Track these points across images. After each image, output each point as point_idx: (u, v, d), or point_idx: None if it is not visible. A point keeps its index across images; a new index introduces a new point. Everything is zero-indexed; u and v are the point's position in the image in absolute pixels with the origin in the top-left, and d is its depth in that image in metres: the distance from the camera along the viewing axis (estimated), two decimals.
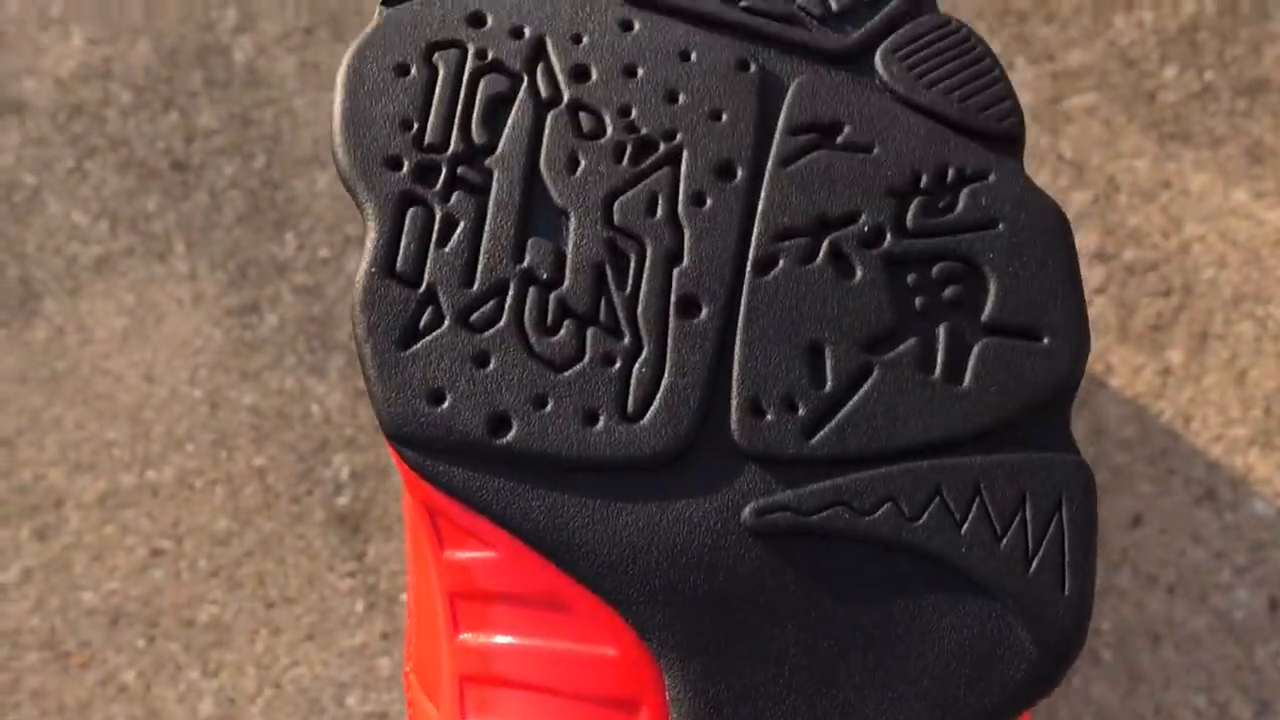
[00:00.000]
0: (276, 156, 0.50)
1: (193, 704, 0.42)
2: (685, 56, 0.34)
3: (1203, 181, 0.49)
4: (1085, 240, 0.45)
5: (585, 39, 0.35)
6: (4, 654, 0.44)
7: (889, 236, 0.32)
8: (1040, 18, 0.51)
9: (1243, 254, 0.47)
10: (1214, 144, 0.48)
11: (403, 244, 0.32)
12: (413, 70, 0.34)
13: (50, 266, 0.49)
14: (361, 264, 0.32)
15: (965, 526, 0.29)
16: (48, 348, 0.47)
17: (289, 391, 0.46)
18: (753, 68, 0.34)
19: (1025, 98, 0.48)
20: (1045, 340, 0.31)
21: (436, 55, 0.34)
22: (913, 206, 0.32)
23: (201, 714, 0.42)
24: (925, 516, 0.29)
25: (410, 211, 0.32)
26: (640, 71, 0.34)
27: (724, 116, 0.33)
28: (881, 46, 0.34)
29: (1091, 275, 0.45)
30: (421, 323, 0.32)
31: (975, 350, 0.31)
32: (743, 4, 0.35)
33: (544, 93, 0.34)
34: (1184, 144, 0.48)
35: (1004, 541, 0.29)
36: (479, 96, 0.34)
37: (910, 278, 0.32)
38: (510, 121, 0.34)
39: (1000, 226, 0.32)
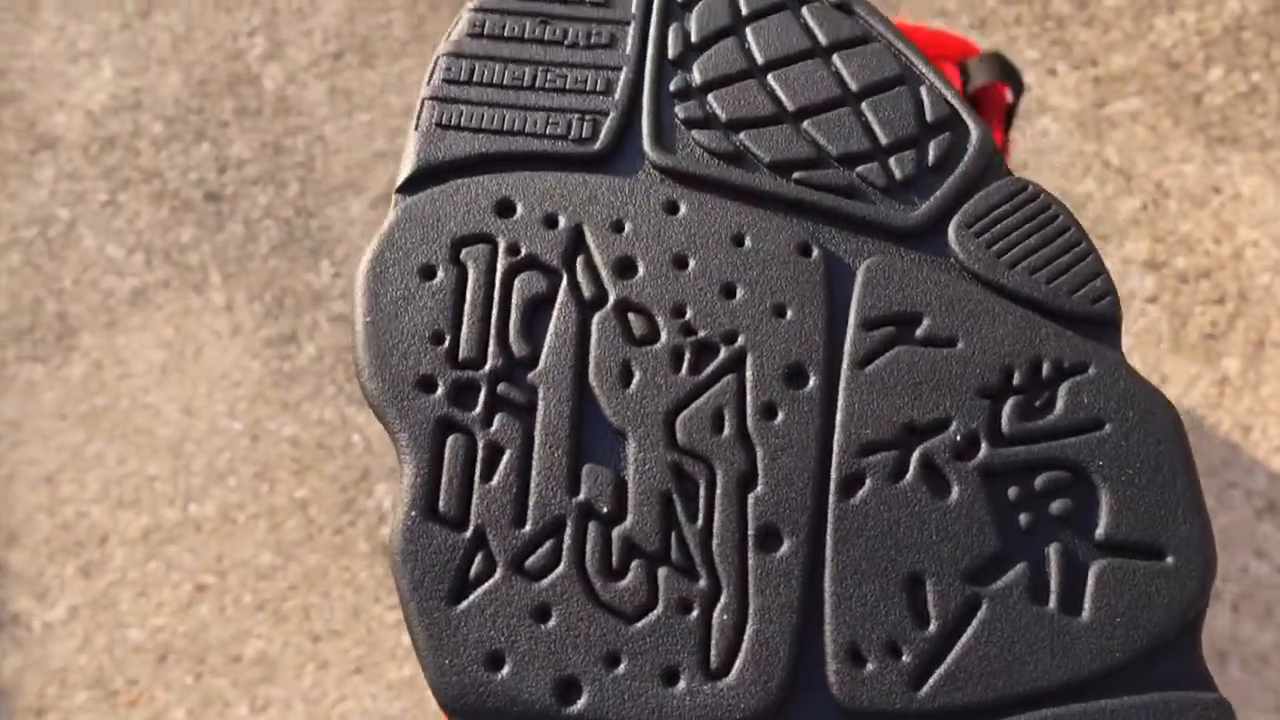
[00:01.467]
0: (309, 184, 0.52)
1: None
2: (739, 241, 0.33)
3: (1254, 185, 0.48)
4: (1135, 248, 0.44)
5: (628, 226, 0.33)
6: (53, 693, 0.45)
7: (984, 445, 0.30)
8: (1080, 21, 0.50)
9: None
10: (1264, 146, 0.47)
11: (444, 480, 0.30)
12: (439, 272, 0.32)
13: (87, 301, 0.50)
14: (399, 506, 0.30)
15: None
16: (86, 383, 0.49)
17: (329, 422, 0.47)
18: (815, 252, 0.32)
19: (1068, 104, 0.47)
20: (1169, 559, 0.29)
21: (464, 252, 0.33)
22: (1007, 408, 0.30)
23: None
24: None
25: (450, 440, 0.30)
26: (691, 263, 0.32)
27: (789, 312, 0.32)
28: (954, 220, 0.33)
29: (1143, 284, 0.44)
30: (472, 572, 0.29)
31: (1092, 573, 0.29)
32: (797, 176, 0.34)
33: (587, 292, 0.32)
34: (1233, 147, 0.47)
35: None
36: (515, 300, 0.32)
37: (1012, 491, 0.30)
38: (552, 329, 0.32)
39: (1107, 428, 0.30)
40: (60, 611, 0.45)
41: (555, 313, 0.32)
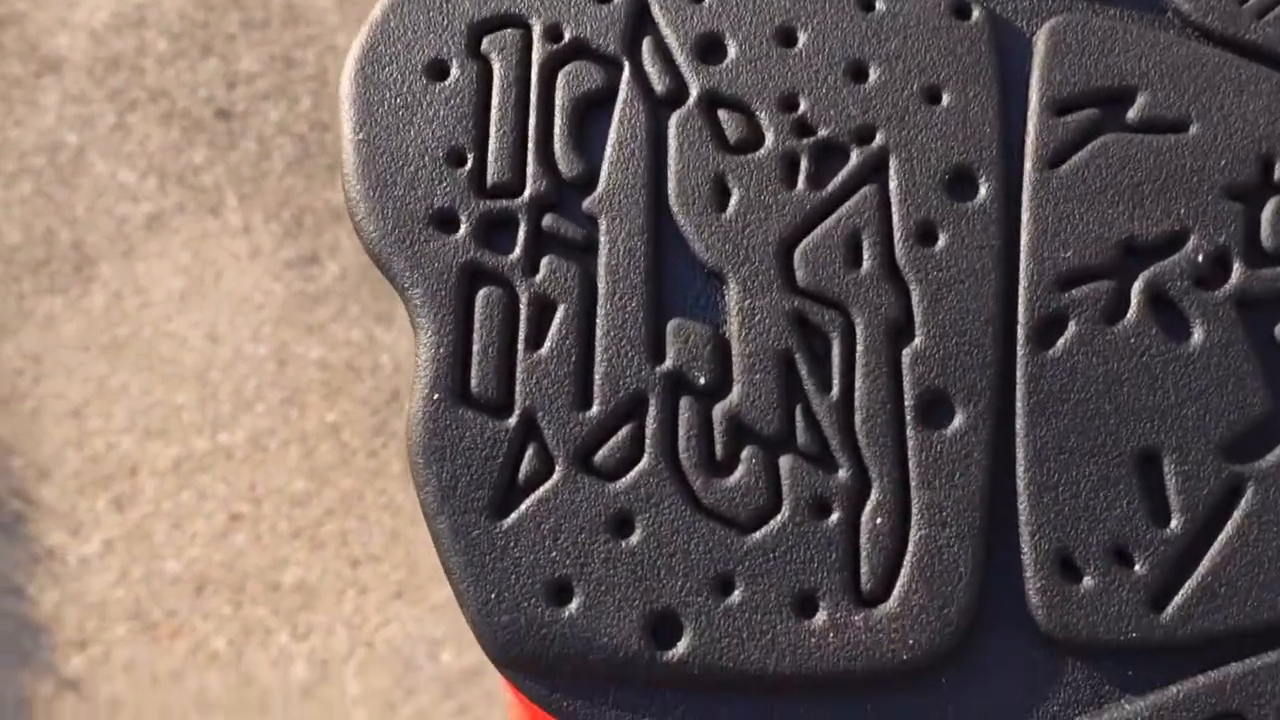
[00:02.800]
0: (323, 98, 0.52)
1: (285, 668, 0.43)
2: (866, 4, 0.24)
3: None
4: None
5: None
6: (93, 627, 0.45)
7: (1238, 265, 0.22)
8: None
9: None
10: None
11: (476, 349, 0.23)
12: (454, 69, 0.24)
13: (102, 229, 0.50)
14: (417, 388, 0.23)
15: None
16: (107, 313, 0.49)
17: (356, 343, 0.47)
18: (976, 12, 0.24)
19: None
20: None
21: (487, 41, 0.25)
22: (1269, 213, 0.22)
23: (295, 677, 0.44)
24: None
25: (481, 295, 0.23)
26: (803, 36, 0.24)
27: (945, 96, 0.24)
28: None
29: None
30: (522, 473, 0.22)
31: None
32: None
33: (659, 85, 0.24)
34: None
35: None
36: (560, 101, 0.24)
37: None
38: (613, 137, 0.24)
39: None
40: (95, 545, 0.46)
41: (616, 115, 0.24)
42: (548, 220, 0.23)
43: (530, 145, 0.24)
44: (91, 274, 0.49)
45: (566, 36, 0.25)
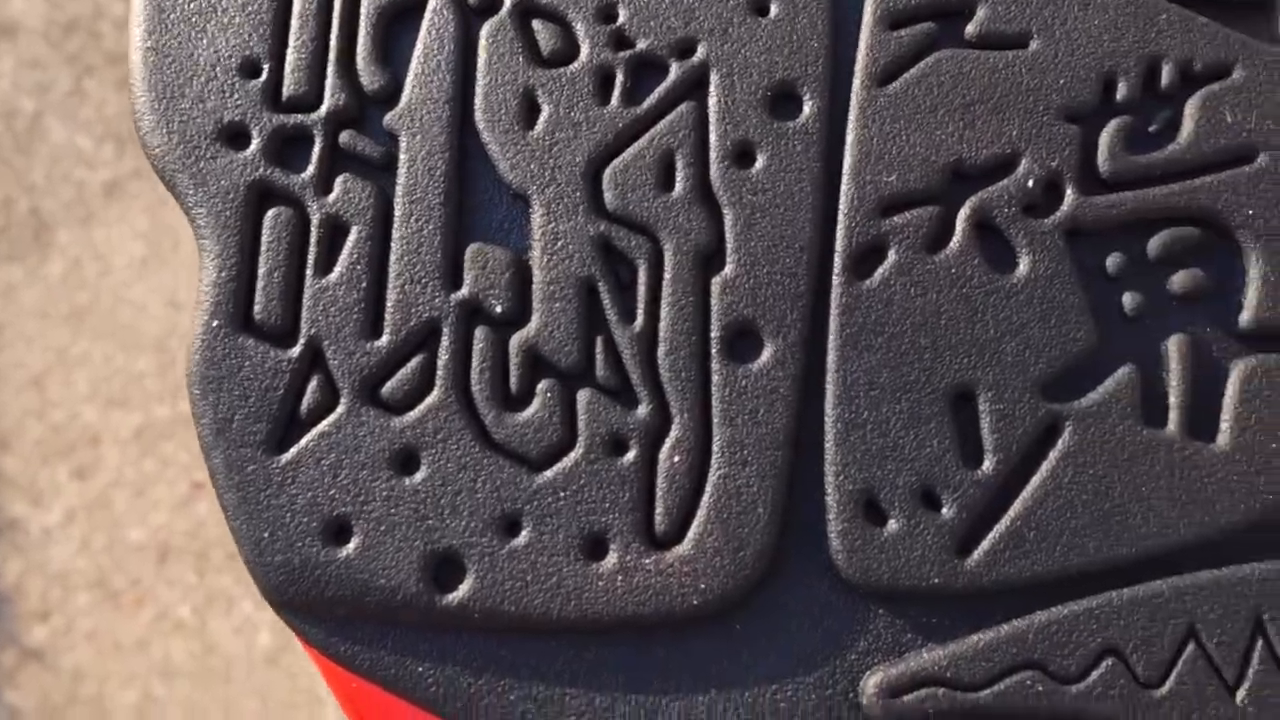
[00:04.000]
0: None
1: (249, 636, 0.44)
2: None
3: None
4: None
5: None
6: (56, 596, 0.46)
7: (1070, 192, 0.21)
8: None
9: None
10: None
11: (261, 273, 0.22)
12: None
13: (60, 195, 0.50)
14: (198, 313, 0.22)
15: (1243, 691, 0.20)
16: (66, 280, 0.49)
17: None
18: None
19: None
20: None
21: None
22: (1107, 136, 0.22)
23: (259, 646, 0.45)
24: (1174, 679, 0.20)
25: (270, 216, 0.22)
26: None
27: (772, 7, 0.23)
28: None
29: None
30: (304, 406, 0.22)
31: (1234, 378, 0.21)
32: None
33: None
34: None
35: None
36: (366, 7, 0.23)
37: (1112, 261, 0.21)
38: (420, 49, 0.23)
39: (1261, 159, 0.21)
40: (57, 515, 0.46)
41: (425, 24, 0.23)
42: (345, 137, 0.22)
43: (331, 56, 0.23)
44: (50, 241, 0.50)
45: None
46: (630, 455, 0.21)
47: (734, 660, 0.20)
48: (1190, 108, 0.21)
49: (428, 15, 0.23)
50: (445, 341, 0.21)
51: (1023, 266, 0.21)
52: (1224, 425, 0.20)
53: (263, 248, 0.22)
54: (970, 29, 0.22)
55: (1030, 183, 0.21)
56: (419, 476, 0.21)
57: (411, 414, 0.21)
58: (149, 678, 0.43)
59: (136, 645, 0.44)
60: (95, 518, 0.46)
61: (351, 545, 0.21)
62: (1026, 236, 0.21)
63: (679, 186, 0.22)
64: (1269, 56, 0.21)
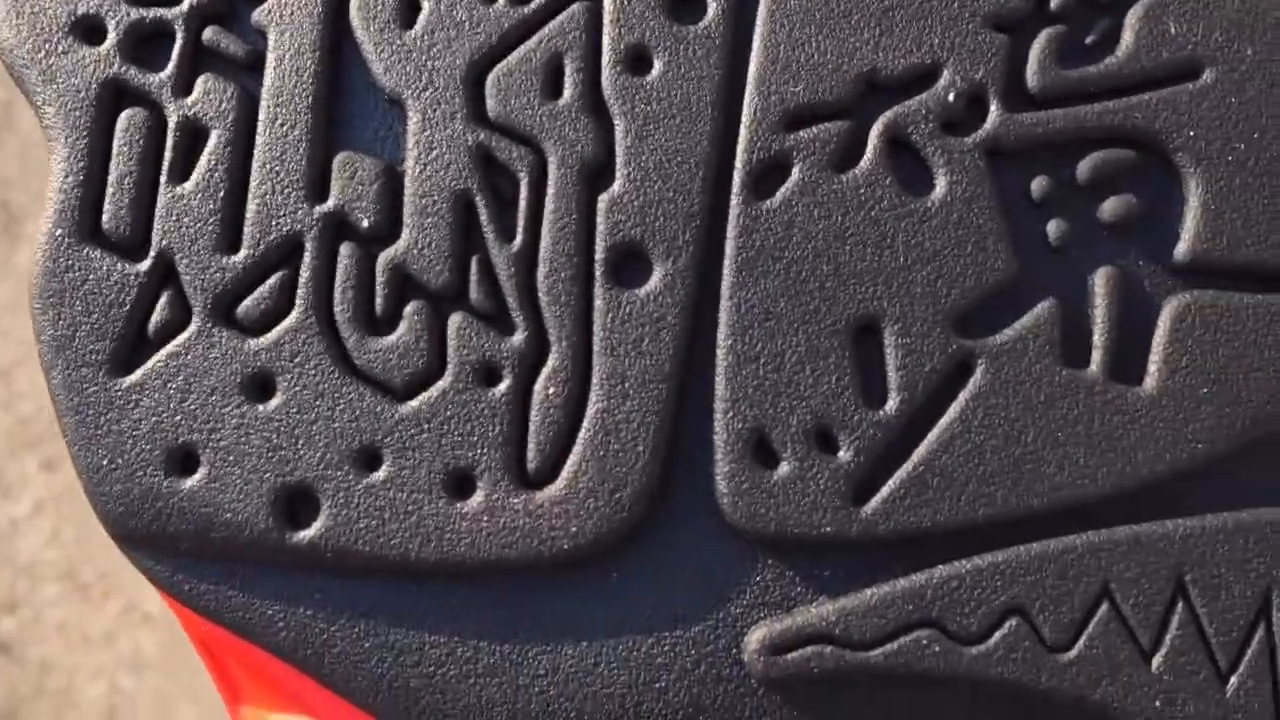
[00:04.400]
0: None
1: None
2: None
3: None
4: None
5: None
6: (24, 588, 0.46)
7: (994, 108, 0.20)
8: None
9: None
10: None
11: (112, 179, 0.20)
12: None
13: (29, 187, 0.49)
14: (42, 221, 0.20)
15: (1159, 658, 0.18)
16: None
17: None
18: None
19: None
20: None
21: None
22: (1037, 47, 0.20)
23: None
24: (1083, 642, 0.18)
25: (124, 118, 0.20)
26: None
27: None
28: None
29: None
30: (152, 324, 0.20)
31: (1165, 315, 0.19)
32: None
33: None
34: None
35: (1233, 681, 0.18)
36: None
37: (1037, 185, 0.20)
38: None
39: (1207, 75, 0.19)
40: (25, 506, 0.46)
41: None
42: (209, 33, 0.21)
43: None
44: (19, 233, 0.49)
45: None
46: (503, 386, 0.19)
47: (608, 610, 0.19)
48: (1131, 17, 0.19)
49: None
50: (307, 258, 0.20)
51: (939, 189, 0.19)
52: (1151, 367, 0.19)
53: (114, 152, 0.20)
54: None
55: (951, 96, 0.19)
56: (273, 404, 0.19)
57: (268, 336, 0.19)
58: (117, 670, 0.43)
59: (105, 637, 0.44)
60: (64, 509, 0.46)
61: (197, 476, 0.19)
62: (944, 155, 0.19)
63: (567, 94, 0.20)
64: None
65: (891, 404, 0.19)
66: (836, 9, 0.20)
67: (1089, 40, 0.19)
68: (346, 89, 0.20)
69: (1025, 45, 0.19)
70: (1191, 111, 0.19)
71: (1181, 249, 0.19)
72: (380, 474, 0.19)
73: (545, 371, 0.19)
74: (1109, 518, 0.18)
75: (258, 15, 0.21)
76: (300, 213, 0.20)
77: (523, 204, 0.20)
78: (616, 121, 0.20)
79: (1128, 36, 0.19)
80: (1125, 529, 0.18)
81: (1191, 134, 0.19)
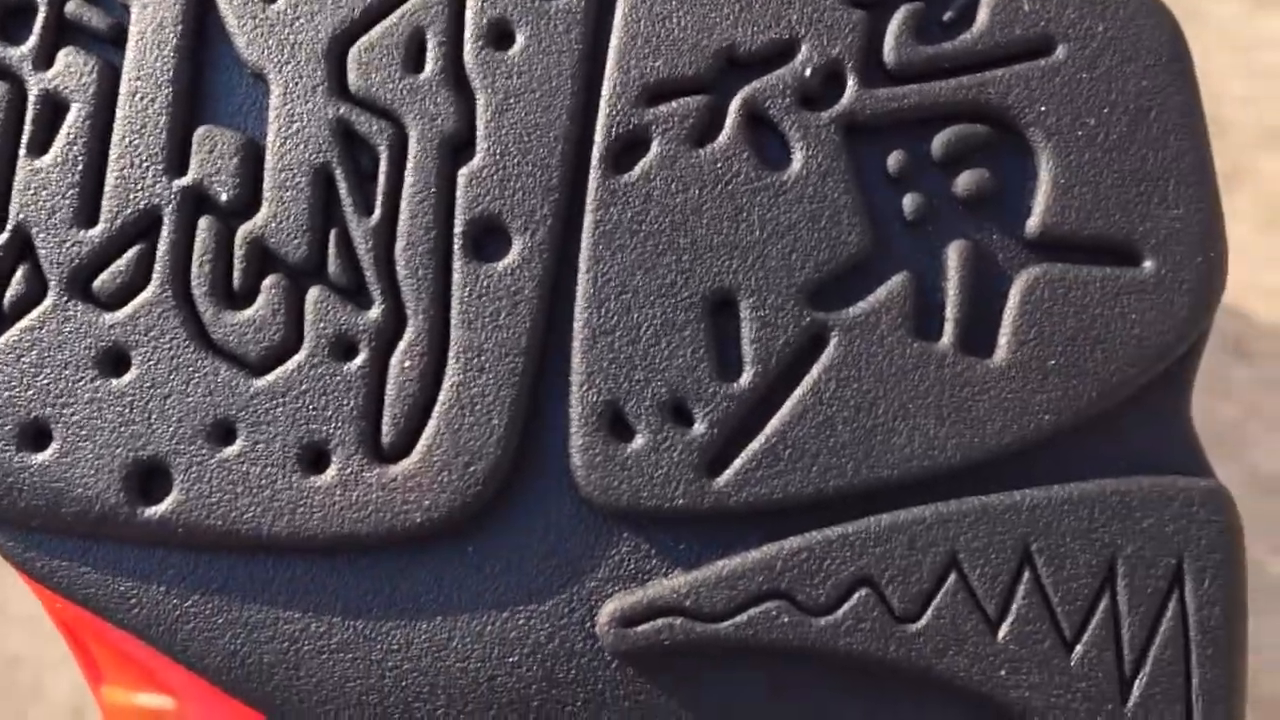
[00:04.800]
0: None
1: None
2: None
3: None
4: None
5: None
6: None
7: (851, 83, 0.20)
8: None
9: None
10: None
11: None
12: None
13: None
14: None
15: (1005, 628, 0.18)
16: None
17: None
18: None
19: None
20: (1147, 264, 0.19)
21: None
22: (895, 22, 0.20)
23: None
24: (931, 613, 0.18)
25: None
26: None
27: None
28: None
29: None
30: (8, 298, 0.20)
31: (1017, 287, 0.19)
32: None
33: None
34: None
35: (1077, 650, 0.18)
36: None
37: (893, 160, 0.20)
38: None
39: (1059, 52, 0.20)
40: None
41: None
42: (71, 5, 0.21)
43: None
44: None
45: None
46: (359, 359, 0.19)
47: (463, 585, 0.19)
48: None
49: None
50: (165, 232, 0.20)
51: (795, 163, 0.19)
52: (1001, 339, 0.19)
53: None
54: None
55: (808, 72, 0.19)
56: (127, 378, 0.19)
57: (124, 310, 0.19)
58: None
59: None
60: None
61: (49, 451, 0.19)
62: (800, 130, 0.19)
63: (428, 68, 0.20)
64: None
65: (746, 377, 0.19)
66: None
67: (946, 17, 0.20)
68: (210, 63, 0.20)
69: (883, 21, 0.20)
70: (1043, 87, 0.19)
71: (1032, 223, 0.19)
72: (234, 448, 0.19)
73: (402, 345, 0.19)
74: (959, 488, 0.18)
75: None
76: (159, 186, 0.20)
77: (382, 178, 0.20)
78: (478, 96, 0.20)
79: (983, 13, 0.19)
80: (973, 499, 0.18)
81: (1043, 109, 0.19)
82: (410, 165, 0.20)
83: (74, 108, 0.20)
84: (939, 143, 0.19)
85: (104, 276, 0.20)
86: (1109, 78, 0.19)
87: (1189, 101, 0.19)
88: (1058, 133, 0.19)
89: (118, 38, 0.20)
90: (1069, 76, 0.19)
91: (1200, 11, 0.39)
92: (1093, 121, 0.19)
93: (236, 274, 0.19)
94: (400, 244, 0.19)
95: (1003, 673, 0.18)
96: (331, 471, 0.19)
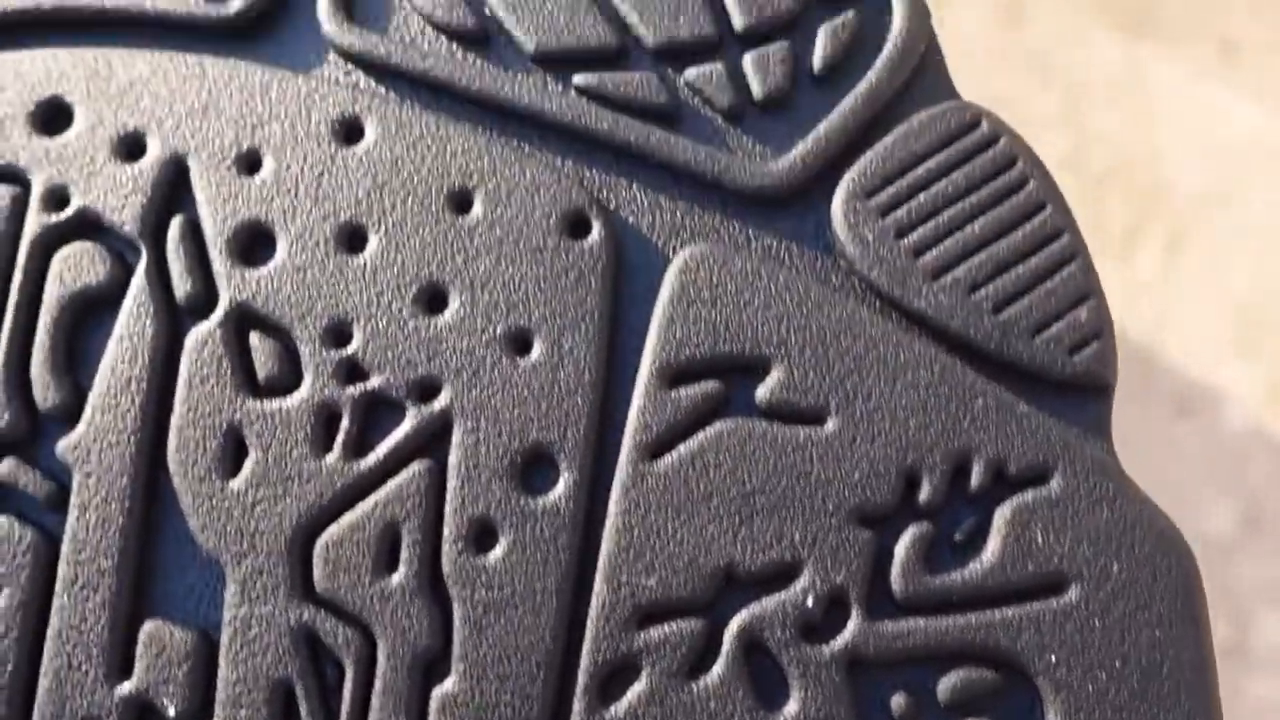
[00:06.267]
0: None
1: None
2: (462, 202, 0.20)
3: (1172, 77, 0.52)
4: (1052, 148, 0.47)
5: (268, 162, 0.20)
6: None
7: (856, 614, 0.19)
8: None
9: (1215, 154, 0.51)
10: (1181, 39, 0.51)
11: None
12: None
13: None
14: None
15: None
16: None
17: None
18: (595, 231, 0.20)
19: None
20: None
21: None
22: (903, 548, 0.19)
23: None
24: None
25: None
26: (374, 239, 0.20)
27: (536, 345, 0.19)
28: (846, 181, 0.20)
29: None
30: None
31: None
32: (579, 80, 0.21)
33: (181, 287, 0.19)
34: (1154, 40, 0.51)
35: None
36: (51, 296, 0.19)
37: (897, 703, 0.19)
38: (110, 357, 0.19)
39: (1072, 592, 0.19)
40: None
41: (119, 326, 0.20)
42: (6, 466, 0.19)
43: (0, 357, 0.19)
44: None
45: (74, 203, 0.20)
46: None
47: None
48: (999, 519, 0.19)
49: (123, 313, 0.19)
50: None
51: (792, 703, 0.18)
52: None
53: None
54: (761, 393, 0.19)
55: (810, 601, 0.18)
56: None
57: None
58: None
59: None
60: None
61: None
62: (800, 666, 0.18)
63: (401, 570, 0.19)
64: (1089, 464, 0.19)
65: None
66: (696, 490, 0.19)
67: (957, 538, 0.19)
68: (163, 543, 0.19)
69: (891, 541, 0.19)
70: (1055, 634, 0.18)
71: None
72: None
73: None
74: None
75: (63, 449, 0.19)
76: (99, 694, 0.18)
77: (346, 697, 0.18)
78: (455, 606, 0.18)
79: (994, 541, 0.19)
80: None
81: (1053, 659, 0.18)
82: (379, 686, 0.18)
83: (4, 593, 0.18)
84: (945, 687, 0.18)
85: None
86: (1122, 625, 0.18)
87: (1201, 658, 0.18)
88: (1068, 687, 0.18)
89: (57, 503, 0.19)
90: (1081, 623, 0.18)
91: None
92: (1104, 676, 0.18)
93: None
94: None
95: None
96: None
